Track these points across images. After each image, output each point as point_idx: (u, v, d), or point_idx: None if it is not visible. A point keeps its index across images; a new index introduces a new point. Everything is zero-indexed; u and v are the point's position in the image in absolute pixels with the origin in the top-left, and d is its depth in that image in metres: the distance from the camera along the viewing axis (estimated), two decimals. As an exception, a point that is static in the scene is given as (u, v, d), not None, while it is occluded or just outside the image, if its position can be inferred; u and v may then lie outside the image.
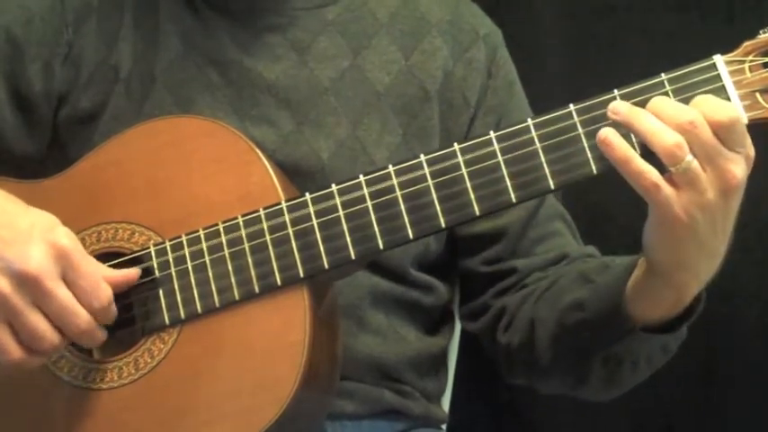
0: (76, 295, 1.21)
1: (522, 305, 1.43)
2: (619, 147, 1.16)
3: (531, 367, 1.43)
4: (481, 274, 1.48)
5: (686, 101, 1.17)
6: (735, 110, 1.15)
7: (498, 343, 1.46)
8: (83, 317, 1.22)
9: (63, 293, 1.21)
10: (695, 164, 1.14)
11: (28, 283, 1.19)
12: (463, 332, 1.59)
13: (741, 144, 1.15)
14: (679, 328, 1.28)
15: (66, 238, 1.22)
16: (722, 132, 1.14)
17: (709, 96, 1.16)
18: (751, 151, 1.16)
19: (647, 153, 1.15)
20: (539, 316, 1.39)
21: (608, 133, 1.17)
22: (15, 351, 1.21)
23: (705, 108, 1.15)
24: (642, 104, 1.17)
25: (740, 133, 1.15)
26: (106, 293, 1.24)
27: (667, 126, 1.14)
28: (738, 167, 1.15)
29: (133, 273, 1.28)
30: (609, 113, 1.17)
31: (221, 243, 1.28)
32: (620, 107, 1.17)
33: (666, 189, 1.14)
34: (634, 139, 1.17)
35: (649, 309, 1.25)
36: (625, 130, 1.16)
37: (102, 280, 1.24)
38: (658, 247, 1.21)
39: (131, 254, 1.30)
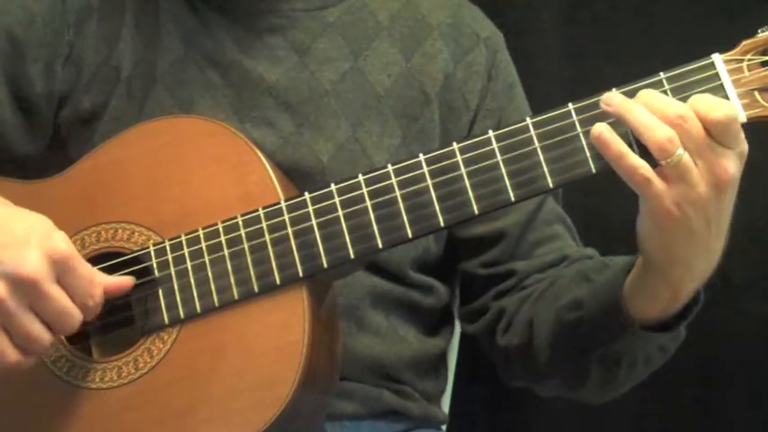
0: (72, 297, 1.22)
1: (521, 306, 1.43)
2: (612, 143, 1.15)
3: (529, 369, 1.42)
4: (480, 276, 1.48)
5: (685, 100, 1.16)
6: (731, 107, 1.15)
7: (497, 345, 1.45)
8: (78, 318, 1.22)
9: (59, 296, 1.21)
10: (686, 158, 1.14)
11: (24, 287, 1.19)
12: (463, 333, 1.59)
13: (735, 141, 1.15)
14: (676, 328, 1.27)
15: (62, 242, 1.22)
16: (716, 129, 1.14)
17: (706, 95, 1.16)
18: (744, 147, 1.16)
19: (643, 149, 1.15)
20: (537, 316, 1.39)
21: (602, 130, 1.16)
22: (12, 354, 1.21)
23: (700, 106, 1.14)
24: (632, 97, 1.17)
25: (735, 130, 1.15)
26: (99, 291, 1.24)
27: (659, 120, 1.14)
28: (730, 162, 1.15)
29: (128, 280, 1.28)
30: (602, 104, 1.17)
31: (221, 243, 1.28)
32: (613, 99, 1.17)
33: (658, 183, 1.15)
34: (631, 137, 1.16)
35: (646, 306, 1.25)
36: (618, 122, 1.16)
37: (96, 279, 1.24)
38: (650, 239, 1.21)
39: (131, 254, 1.31)
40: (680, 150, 1.14)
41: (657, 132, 1.14)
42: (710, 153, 1.14)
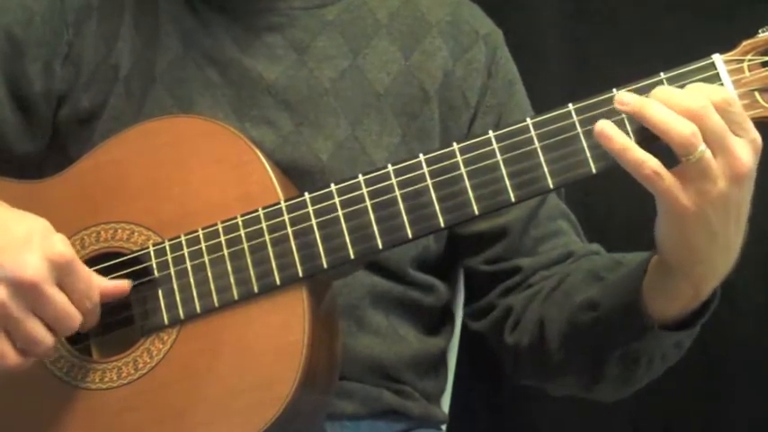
0: (72, 299, 1.22)
1: (529, 305, 1.42)
2: (616, 137, 1.14)
3: (541, 367, 1.42)
4: (484, 273, 1.48)
5: None
6: (730, 90, 1.15)
7: (505, 343, 1.45)
8: (78, 319, 1.23)
9: (60, 299, 1.21)
10: (708, 153, 1.12)
11: (24, 290, 1.19)
12: (463, 332, 1.59)
13: (743, 126, 1.14)
14: (695, 324, 1.26)
15: (61, 244, 1.22)
16: (724, 114, 1.13)
17: (701, 83, 1.15)
18: (756, 136, 1.14)
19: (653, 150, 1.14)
20: (548, 316, 1.38)
21: (604, 125, 1.15)
22: (13, 356, 1.21)
23: (704, 93, 1.13)
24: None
25: (740, 114, 1.14)
26: (96, 294, 1.25)
27: (678, 114, 1.13)
28: (746, 152, 1.13)
29: (125, 284, 1.28)
30: (616, 105, 1.16)
31: (220, 243, 1.28)
32: (627, 98, 1.15)
33: (669, 178, 1.13)
34: (628, 127, 1.16)
35: (667, 306, 1.24)
36: (634, 121, 1.16)
37: (94, 282, 1.24)
38: (669, 239, 1.19)
39: (130, 254, 1.30)
40: (702, 146, 1.12)
41: (681, 127, 1.12)
42: (729, 142, 1.12)
